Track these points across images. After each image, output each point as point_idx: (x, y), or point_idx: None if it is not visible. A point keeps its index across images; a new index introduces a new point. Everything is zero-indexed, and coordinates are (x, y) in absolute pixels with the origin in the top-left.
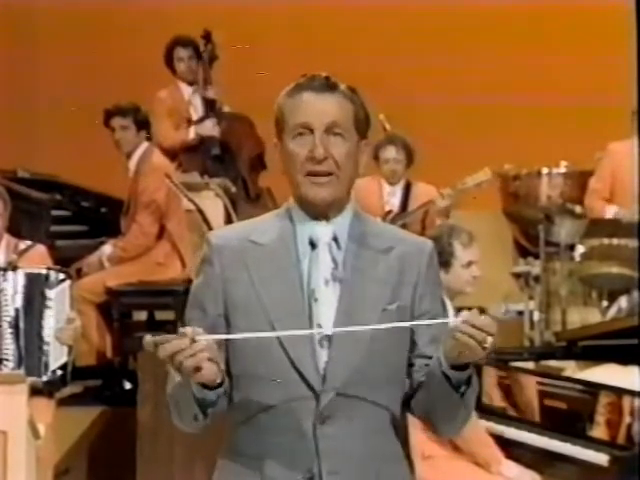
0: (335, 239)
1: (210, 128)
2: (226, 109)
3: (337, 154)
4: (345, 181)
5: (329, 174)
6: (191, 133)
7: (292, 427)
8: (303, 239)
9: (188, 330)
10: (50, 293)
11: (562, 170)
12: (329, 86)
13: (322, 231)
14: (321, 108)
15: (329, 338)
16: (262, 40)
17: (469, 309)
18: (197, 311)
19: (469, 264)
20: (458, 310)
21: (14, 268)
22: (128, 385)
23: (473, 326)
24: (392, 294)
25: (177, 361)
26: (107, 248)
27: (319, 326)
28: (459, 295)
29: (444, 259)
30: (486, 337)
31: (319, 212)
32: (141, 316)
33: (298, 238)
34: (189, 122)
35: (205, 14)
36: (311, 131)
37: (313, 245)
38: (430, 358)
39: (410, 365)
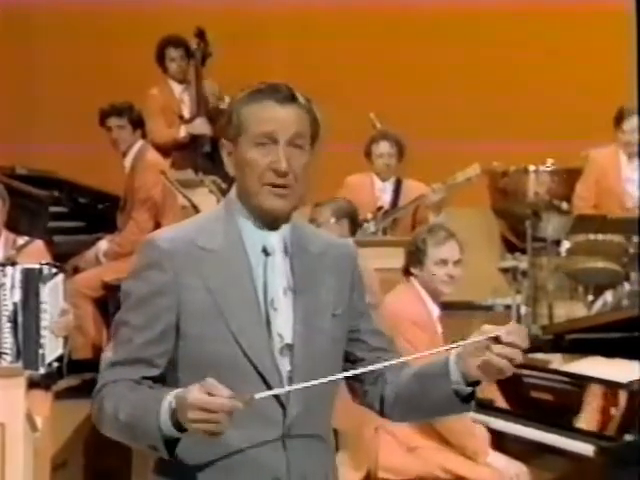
0: (285, 247)
1: (201, 127)
2: (227, 100)
3: (297, 167)
4: (300, 192)
5: (288, 186)
6: (182, 132)
7: (259, 438)
8: (254, 246)
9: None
10: (44, 287)
11: (549, 168)
12: (292, 97)
13: (275, 239)
14: (285, 119)
15: (290, 347)
16: (255, 38)
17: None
18: (145, 318)
19: (443, 262)
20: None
21: (13, 263)
22: None
23: (509, 344)
24: (336, 298)
25: (211, 425)
26: (103, 244)
27: (280, 336)
28: (440, 294)
29: (416, 257)
30: (520, 354)
31: (272, 221)
32: None
33: (247, 244)
34: (181, 118)
35: (198, 12)
36: (274, 141)
37: (266, 253)
38: (376, 350)
39: (362, 360)
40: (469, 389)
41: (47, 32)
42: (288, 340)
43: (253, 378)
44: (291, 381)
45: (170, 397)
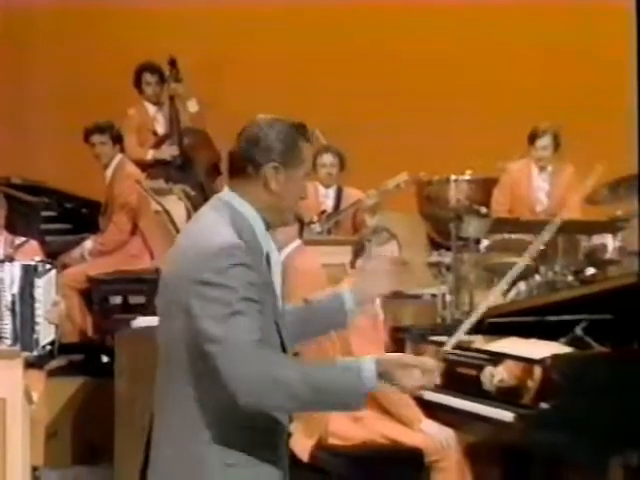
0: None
1: (166, 152)
2: (192, 108)
3: None
4: None
5: None
6: (149, 155)
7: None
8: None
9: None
10: (39, 281)
11: (467, 177)
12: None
13: (274, 249)
14: None
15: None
16: (225, 64)
17: None
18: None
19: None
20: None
21: (11, 260)
22: (105, 359)
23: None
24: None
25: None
26: (88, 243)
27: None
28: None
29: (362, 253)
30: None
31: (270, 228)
32: (117, 300)
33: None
34: (155, 135)
35: (172, 40)
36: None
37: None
38: None
39: None
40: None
41: (37, 56)
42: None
43: None
44: None
45: (369, 361)
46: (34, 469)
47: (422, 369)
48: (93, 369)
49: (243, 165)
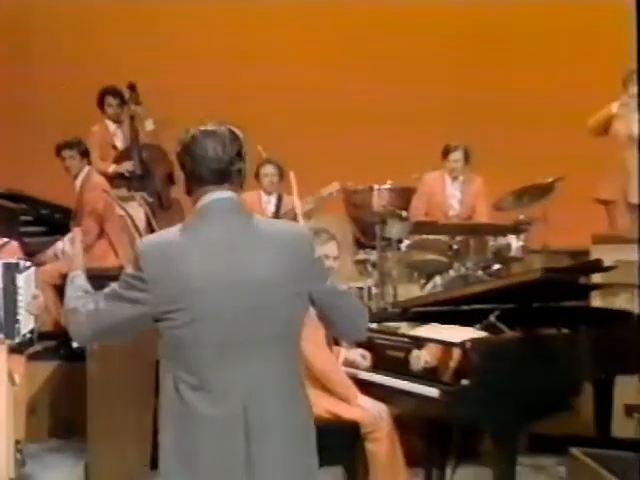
0: None
1: (124, 168)
2: (149, 127)
3: None
4: None
5: None
6: (111, 169)
7: None
8: None
9: None
10: (20, 277)
11: (387, 186)
12: None
13: None
14: None
15: None
16: (178, 89)
17: None
18: None
19: (326, 257)
20: None
21: None
22: (75, 345)
23: None
24: None
25: None
26: (60, 244)
27: None
28: None
29: None
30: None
31: None
32: None
33: None
34: (114, 148)
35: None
36: None
37: None
38: None
39: None
40: None
41: (27, 80)
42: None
43: None
44: None
45: None
46: (17, 442)
47: None
48: (64, 354)
49: None
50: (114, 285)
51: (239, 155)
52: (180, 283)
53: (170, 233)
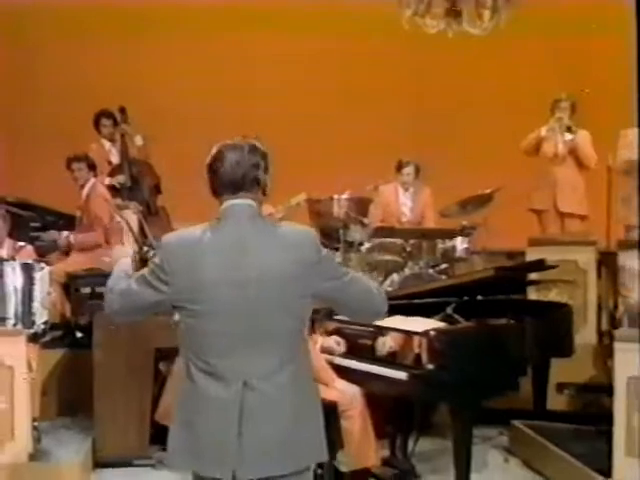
0: None
1: (116, 181)
2: (138, 142)
3: None
4: None
5: None
6: (106, 181)
7: None
8: None
9: None
10: (36, 276)
11: (346, 196)
12: None
13: None
14: None
15: None
16: (165, 112)
17: None
18: None
19: None
20: None
21: (14, 259)
22: (79, 334)
23: None
24: None
25: None
26: (65, 233)
27: None
28: None
29: None
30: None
31: None
32: (87, 290)
33: None
34: (109, 164)
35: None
36: None
37: None
38: None
39: None
40: None
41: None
42: None
43: None
44: None
45: None
46: (33, 420)
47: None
48: (70, 343)
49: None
50: (145, 270)
51: (256, 166)
52: (195, 277)
53: (190, 231)
